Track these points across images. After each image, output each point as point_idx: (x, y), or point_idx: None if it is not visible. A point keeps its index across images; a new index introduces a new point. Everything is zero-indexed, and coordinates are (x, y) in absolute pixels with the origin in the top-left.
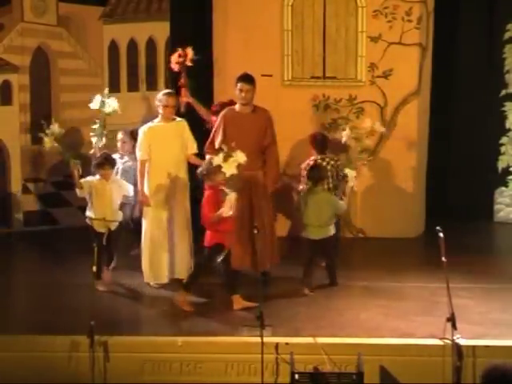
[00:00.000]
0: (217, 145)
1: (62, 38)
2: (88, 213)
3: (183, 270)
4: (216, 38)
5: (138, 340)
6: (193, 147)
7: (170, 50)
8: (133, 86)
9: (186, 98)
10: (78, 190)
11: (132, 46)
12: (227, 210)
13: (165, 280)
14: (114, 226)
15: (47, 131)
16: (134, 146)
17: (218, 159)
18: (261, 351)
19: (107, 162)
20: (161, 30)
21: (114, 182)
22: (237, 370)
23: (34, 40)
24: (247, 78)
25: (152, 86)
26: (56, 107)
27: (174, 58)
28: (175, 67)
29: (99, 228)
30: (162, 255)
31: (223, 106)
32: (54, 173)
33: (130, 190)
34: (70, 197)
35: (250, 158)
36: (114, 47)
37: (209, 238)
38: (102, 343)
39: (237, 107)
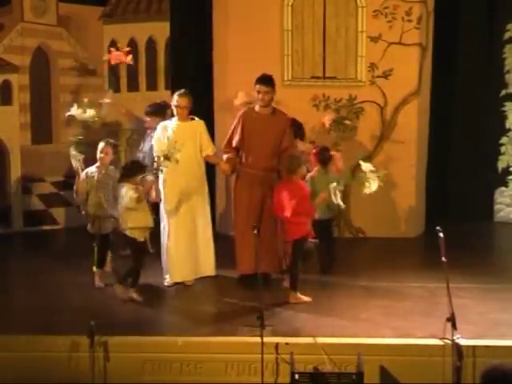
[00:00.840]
0: (234, 143)
1: (62, 38)
2: (130, 224)
3: (209, 268)
4: (216, 38)
5: (138, 340)
6: (208, 147)
7: (170, 50)
8: (133, 86)
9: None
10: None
11: (132, 46)
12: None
13: (192, 277)
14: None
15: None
16: (114, 160)
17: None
18: (261, 351)
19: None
20: (161, 30)
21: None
22: (237, 369)
23: (34, 40)
24: (266, 80)
25: (152, 86)
26: (56, 107)
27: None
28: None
29: (140, 237)
30: (187, 254)
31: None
32: (54, 173)
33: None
34: (70, 197)
35: (266, 159)
36: (113, 47)
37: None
38: (102, 343)
39: (256, 108)
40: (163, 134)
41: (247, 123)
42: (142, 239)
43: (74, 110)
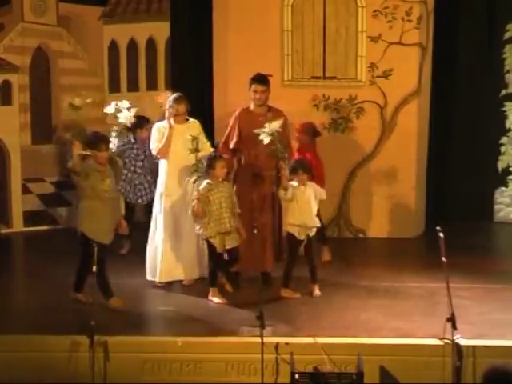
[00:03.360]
0: (231, 145)
1: (62, 38)
2: (290, 219)
3: (188, 271)
4: (216, 38)
5: (138, 340)
6: (204, 148)
7: (170, 50)
8: (133, 86)
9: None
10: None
11: (132, 46)
12: None
13: (182, 277)
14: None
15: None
16: None
17: None
18: (261, 351)
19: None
20: (161, 30)
21: (310, 186)
22: (237, 369)
23: (33, 40)
24: (261, 79)
25: (152, 86)
26: (56, 107)
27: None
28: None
29: (301, 235)
30: (177, 254)
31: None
32: (54, 173)
33: (323, 194)
34: (70, 197)
35: (265, 158)
36: (114, 47)
37: None
38: (102, 343)
39: (251, 107)
40: (159, 136)
41: (243, 124)
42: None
43: (111, 109)
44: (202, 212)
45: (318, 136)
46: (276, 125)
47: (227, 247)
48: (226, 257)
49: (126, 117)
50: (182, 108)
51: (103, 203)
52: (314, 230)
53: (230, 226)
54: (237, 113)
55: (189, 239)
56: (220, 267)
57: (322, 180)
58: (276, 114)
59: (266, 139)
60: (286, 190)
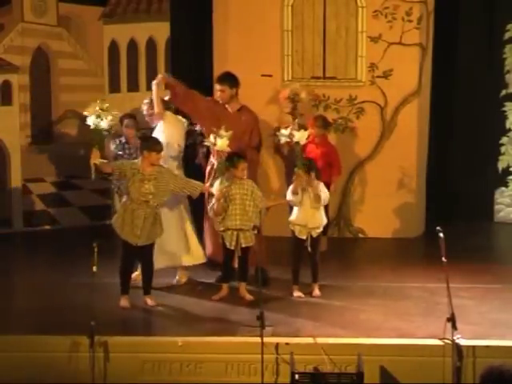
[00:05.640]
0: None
1: (62, 38)
2: (292, 218)
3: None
4: (216, 38)
5: (138, 340)
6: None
7: (170, 50)
8: (133, 86)
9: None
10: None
11: (132, 46)
12: None
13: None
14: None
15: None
16: None
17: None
18: (261, 351)
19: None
20: (161, 30)
21: (317, 187)
22: (237, 370)
23: (34, 40)
24: (219, 78)
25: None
26: (56, 107)
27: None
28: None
29: (302, 234)
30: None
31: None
32: (54, 173)
33: (326, 199)
34: (70, 197)
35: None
36: (114, 47)
37: None
38: (102, 343)
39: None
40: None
41: (217, 114)
42: None
43: (90, 120)
44: (221, 210)
45: (329, 126)
46: (301, 137)
47: (242, 245)
48: (239, 253)
49: (108, 124)
50: None
51: (138, 206)
52: (318, 230)
53: (240, 223)
54: (212, 100)
55: (168, 228)
56: (226, 264)
57: (339, 166)
58: (246, 114)
59: (282, 139)
60: (296, 194)
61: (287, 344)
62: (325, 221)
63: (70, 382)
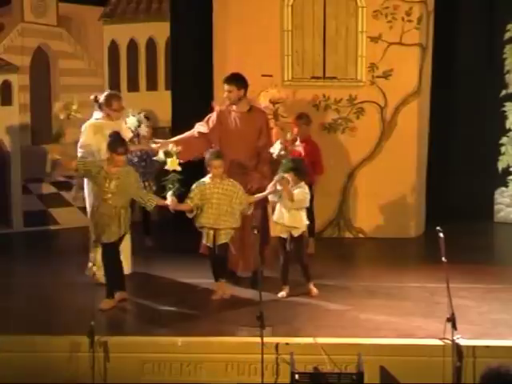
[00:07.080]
0: (203, 130)
1: (62, 38)
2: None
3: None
4: (216, 38)
5: (138, 340)
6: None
7: (170, 50)
8: (133, 86)
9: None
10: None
11: (132, 46)
12: None
13: None
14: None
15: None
16: None
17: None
18: (261, 351)
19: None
20: (161, 30)
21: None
22: (237, 370)
23: (33, 40)
24: (227, 79)
25: (152, 86)
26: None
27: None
28: None
29: (282, 233)
30: None
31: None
32: (54, 173)
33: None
34: (70, 197)
35: (244, 158)
36: (114, 47)
37: None
38: (102, 343)
39: (233, 106)
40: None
41: (223, 122)
42: None
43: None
44: (189, 210)
45: (310, 123)
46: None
47: (217, 243)
48: (216, 251)
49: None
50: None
51: (102, 204)
52: (299, 230)
53: (213, 222)
54: (218, 110)
55: None
56: (211, 260)
57: (321, 165)
58: (257, 113)
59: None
60: (292, 200)
61: (287, 344)
62: (306, 222)
63: (70, 382)
